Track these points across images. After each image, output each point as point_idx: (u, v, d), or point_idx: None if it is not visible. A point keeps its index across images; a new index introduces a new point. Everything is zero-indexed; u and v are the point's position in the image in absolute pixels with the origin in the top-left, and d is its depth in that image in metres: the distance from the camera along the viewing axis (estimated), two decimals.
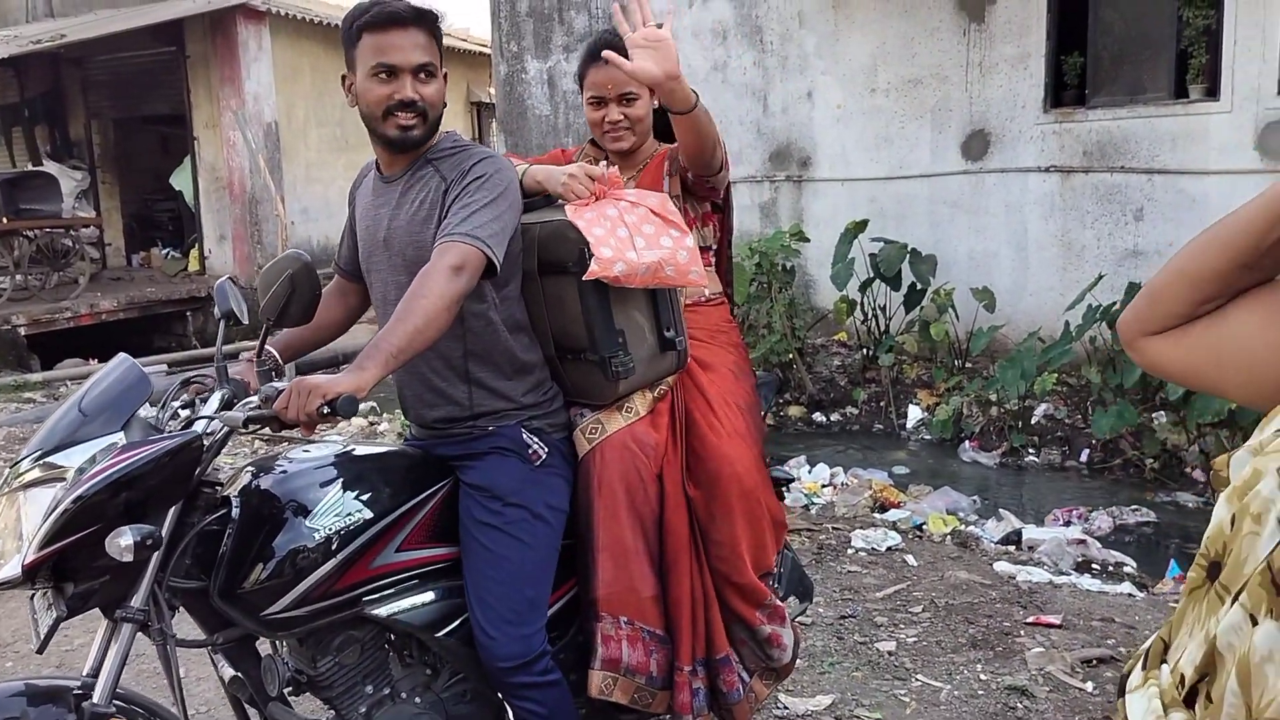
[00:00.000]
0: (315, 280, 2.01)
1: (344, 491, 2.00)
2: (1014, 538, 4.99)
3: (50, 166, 13.31)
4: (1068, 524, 5.41)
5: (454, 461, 2.19)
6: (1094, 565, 4.63)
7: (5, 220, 11.03)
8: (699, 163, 2.35)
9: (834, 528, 4.74)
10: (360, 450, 2.18)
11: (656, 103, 2.41)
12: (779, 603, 2.38)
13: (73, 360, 10.25)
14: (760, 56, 9.11)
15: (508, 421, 2.17)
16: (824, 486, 5.92)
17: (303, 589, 1.91)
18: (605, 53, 2.25)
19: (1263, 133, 6.84)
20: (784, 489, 2.75)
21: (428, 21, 2.07)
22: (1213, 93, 7.06)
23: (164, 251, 14.28)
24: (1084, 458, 6.66)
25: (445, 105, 2.13)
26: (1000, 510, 5.47)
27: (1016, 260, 7.87)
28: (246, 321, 2.10)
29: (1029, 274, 7.81)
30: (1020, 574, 4.21)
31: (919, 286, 7.76)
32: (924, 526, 5.08)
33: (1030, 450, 6.84)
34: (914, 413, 7.62)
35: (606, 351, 2.16)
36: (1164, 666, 0.96)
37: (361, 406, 8.08)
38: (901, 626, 3.66)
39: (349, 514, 1.98)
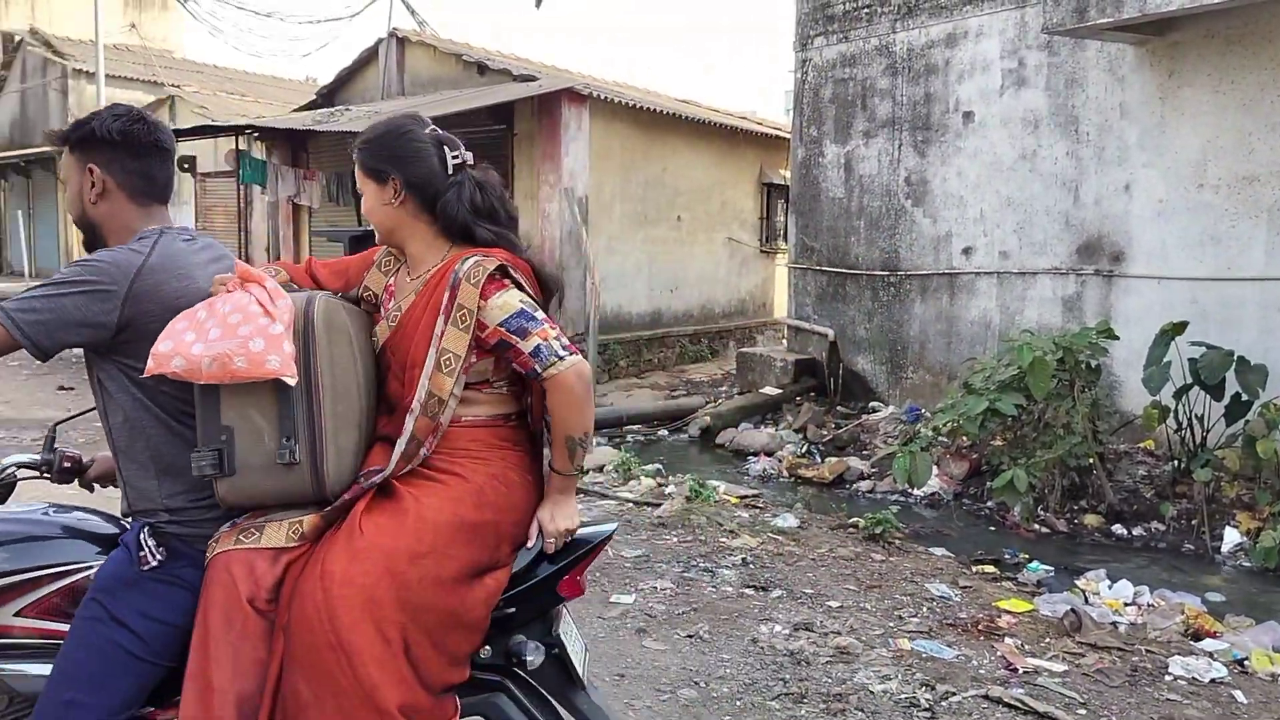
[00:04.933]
0: None
1: None
2: None
3: None
4: None
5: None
6: None
7: None
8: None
9: (1148, 650, 4.46)
10: (40, 510, 2.20)
11: (398, 200, 2.17)
12: None
13: None
14: (1074, 147, 8.86)
15: (144, 520, 2.04)
16: (1126, 605, 5.58)
17: None
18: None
19: None
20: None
21: (64, 140, 2.13)
22: None
23: None
24: None
25: (93, 203, 2.10)
26: None
27: None
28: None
29: None
30: None
31: (1244, 398, 7.16)
32: (1246, 662, 4.67)
33: None
34: (1231, 535, 6.99)
35: (200, 445, 1.95)
36: None
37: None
38: None
39: None
